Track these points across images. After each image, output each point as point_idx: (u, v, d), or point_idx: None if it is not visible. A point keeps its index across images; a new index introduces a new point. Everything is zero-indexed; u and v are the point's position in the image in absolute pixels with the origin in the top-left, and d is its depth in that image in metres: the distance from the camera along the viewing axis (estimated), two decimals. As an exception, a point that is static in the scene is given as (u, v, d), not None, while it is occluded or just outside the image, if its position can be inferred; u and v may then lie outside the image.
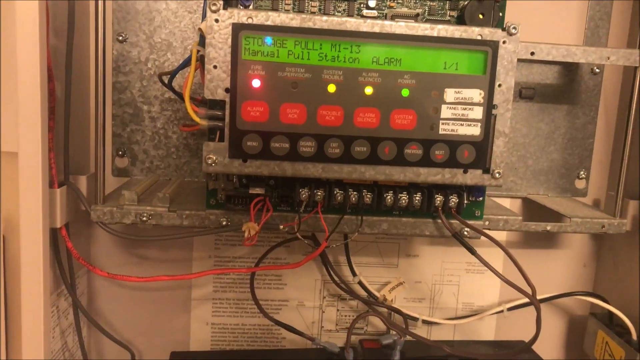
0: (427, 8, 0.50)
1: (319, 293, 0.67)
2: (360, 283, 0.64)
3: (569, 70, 0.65)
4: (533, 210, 0.65)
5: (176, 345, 0.65)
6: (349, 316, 0.68)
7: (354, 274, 0.64)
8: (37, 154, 0.44)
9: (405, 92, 0.46)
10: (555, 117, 0.66)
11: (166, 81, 0.55)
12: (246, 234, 0.46)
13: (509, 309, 0.66)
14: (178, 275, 0.54)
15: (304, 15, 0.44)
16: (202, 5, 0.58)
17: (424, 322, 0.65)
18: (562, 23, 0.64)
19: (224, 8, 0.43)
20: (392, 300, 0.65)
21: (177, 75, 0.53)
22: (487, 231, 0.52)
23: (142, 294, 0.64)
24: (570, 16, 0.64)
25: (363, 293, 0.65)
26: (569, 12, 0.64)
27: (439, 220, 0.51)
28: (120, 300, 0.64)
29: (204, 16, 0.49)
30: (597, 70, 0.65)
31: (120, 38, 0.59)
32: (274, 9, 0.49)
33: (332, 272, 0.63)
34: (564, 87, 0.65)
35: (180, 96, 0.56)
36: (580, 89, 0.65)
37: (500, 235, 0.66)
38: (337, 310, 0.67)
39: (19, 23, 0.42)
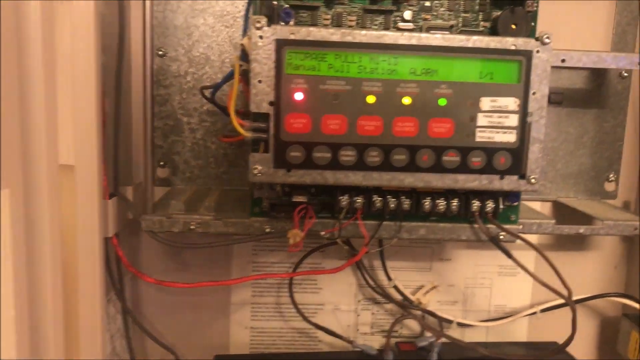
0: (460, 19, 0.51)
1: (354, 297, 0.68)
2: (395, 287, 0.65)
3: (597, 74, 0.66)
4: (563, 213, 0.66)
5: (216, 349, 0.67)
6: (384, 319, 0.69)
7: (389, 279, 0.65)
8: (93, 167, 0.46)
9: (442, 102, 0.47)
10: (584, 121, 0.67)
11: (206, 93, 0.57)
12: (291, 241, 0.48)
13: (542, 311, 0.67)
14: (222, 280, 0.56)
15: (343, 30, 0.46)
16: (238, 19, 0.61)
17: (459, 324, 0.66)
18: (589, 29, 0.65)
19: (268, 25, 0.45)
20: (426, 304, 0.66)
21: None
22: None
23: (182, 299, 0.66)
24: (597, 22, 0.65)
25: (397, 297, 0.66)
26: (596, 18, 0.65)
27: (476, 225, 0.52)
28: (161, 305, 0.66)
29: (244, 32, 0.51)
30: (626, 74, 0.66)
31: (160, 53, 0.61)
32: (313, 23, 0.50)
33: (367, 277, 0.65)
34: (592, 91, 0.66)
35: (222, 109, 0.58)
36: (609, 92, 0.66)
37: (531, 238, 0.67)
38: (372, 313, 0.69)
39: (76, 41, 0.45)
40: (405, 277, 0.68)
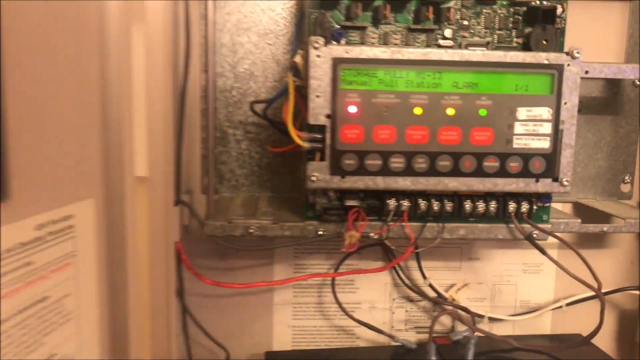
0: (496, 36, 0.56)
1: (389, 296, 0.73)
2: (430, 285, 0.69)
3: (612, 84, 0.70)
4: (584, 213, 0.71)
5: (260, 346, 0.71)
6: (417, 316, 0.73)
7: (424, 277, 0.69)
8: (165, 178, 0.50)
9: (482, 112, 0.52)
10: (601, 127, 0.71)
11: (255, 107, 0.62)
12: (347, 242, 0.53)
13: (567, 305, 0.71)
14: (277, 280, 0.60)
15: (393, 49, 0.50)
16: (280, 37, 0.65)
17: (490, 319, 0.71)
18: (605, 42, 0.70)
19: (325, 45, 0.50)
20: (458, 300, 0.70)
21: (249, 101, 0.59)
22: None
23: (228, 299, 0.70)
24: (611, 34, 0.70)
25: (431, 294, 0.70)
26: (610, 30, 0.70)
27: (512, 225, 0.57)
28: (209, 305, 0.70)
29: (294, 51, 0.55)
30: (639, 82, 0.70)
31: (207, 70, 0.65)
32: (362, 42, 0.55)
33: (402, 276, 0.69)
34: (608, 99, 0.71)
35: (271, 122, 0.62)
36: (623, 100, 0.71)
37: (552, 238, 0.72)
38: (406, 311, 0.73)
39: (151, 59, 0.49)
40: (437, 275, 0.72)
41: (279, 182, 0.68)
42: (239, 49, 0.66)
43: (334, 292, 0.66)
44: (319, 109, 0.51)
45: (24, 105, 0.34)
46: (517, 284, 0.74)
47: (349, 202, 0.54)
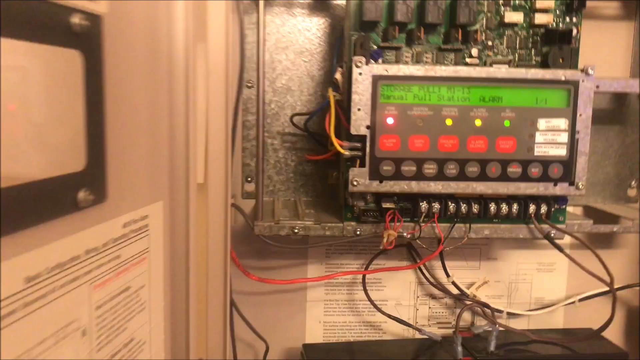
0: (517, 55, 0.62)
1: (414, 293, 0.78)
2: (453, 282, 0.75)
3: (619, 96, 0.76)
4: (594, 216, 0.76)
5: (294, 341, 0.77)
6: (439, 312, 0.79)
7: (448, 275, 0.75)
8: (220, 185, 0.56)
9: (507, 123, 0.58)
10: (609, 137, 0.77)
11: (294, 118, 0.68)
12: (385, 240, 0.58)
13: (579, 300, 0.77)
14: (314, 277, 0.66)
15: (427, 67, 0.56)
16: (315, 55, 0.71)
17: (508, 314, 0.76)
18: (613, 59, 0.76)
19: (366, 64, 0.56)
20: (479, 297, 0.76)
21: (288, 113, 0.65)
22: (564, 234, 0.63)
23: (266, 297, 0.76)
24: (619, 53, 0.76)
25: (453, 292, 0.76)
26: (618, 49, 0.76)
27: (532, 225, 0.62)
28: (248, 301, 0.75)
29: (333, 70, 0.61)
30: (643, 95, 0.76)
31: (249, 85, 0.71)
32: (397, 61, 0.61)
33: (427, 275, 0.75)
34: (615, 110, 0.77)
35: (309, 132, 0.68)
36: (629, 111, 0.77)
37: (565, 239, 0.78)
38: (429, 307, 0.79)
39: (212, 77, 0.54)
40: (458, 274, 0.77)
41: (312, 187, 0.74)
42: (277, 65, 0.72)
43: (364, 289, 0.71)
44: (360, 121, 0.56)
45: (116, 124, 0.40)
46: (532, 282, 0.80)
47: (386, 205, 0.60)
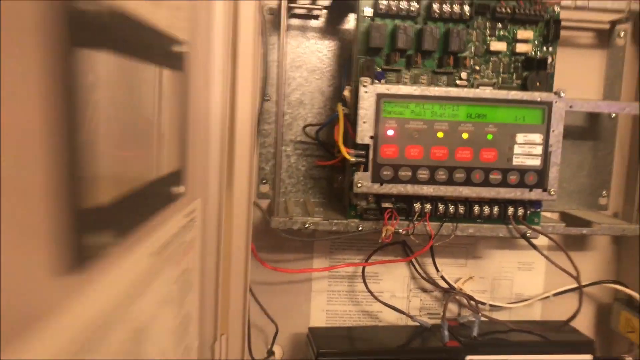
0: (500, 79, 0.72)
1: (407, 286, 0.88)
2: (442, 277, 0.85)
3: (593, 115, 0.86)
4: (569, 221, 0.86)
5: (299, 327, 0.86)
6: (430, 304, 0.88)
7: (437, 270, 0.85)
8: (245, 185, 0.65)
9: (490, 137, 0.68)
10: (583, 150, 0.87)
11: (306, 128, 0.77)
12: (384, 234, 0.68)
13: (554, 295, 0.86)
14: (320, 268, 0.75)
15: (422, 87, 0.66)
16: (325, 73, 0.81)
17: (491, 306, 0.86)
18: (587, 82, 0.86)
19: (371, 84, 0.66)
20: (464, 290, 0.85)
21: (300, 124, 0.74)
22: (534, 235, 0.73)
23: (276, 286, 0.85)
24: (592, 77, 0.86)
25: (442, 285, 0.86)
26: (591, 74, 0.86)
27: (510, 226, 0.72)
28: (260, 290, 0.84)
29: (342, 88, 0.71)
30: (613, 115, 0.86)
31: (267, 98, 0.81)
32: (398, 81, 0.71)
33: (419, 270, 0.84)
34: (589, 128, 0.87)
35: (319, 141, 0.78)
36: (601, 129, 0.87)
37: (543, 240, 0.87)
38: (420, 299, 0.88)
39: (241, 92, 0.64)
40: (446, 270, 0.87)
41: (320, 190, 0.83)
42: (292, 82, 0.81)
43: (364, 280, 0.81)
44: (365, 132, 0.66)
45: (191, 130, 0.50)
46: (513, 279, 0.89)
47: (385, 204, 0.69)
